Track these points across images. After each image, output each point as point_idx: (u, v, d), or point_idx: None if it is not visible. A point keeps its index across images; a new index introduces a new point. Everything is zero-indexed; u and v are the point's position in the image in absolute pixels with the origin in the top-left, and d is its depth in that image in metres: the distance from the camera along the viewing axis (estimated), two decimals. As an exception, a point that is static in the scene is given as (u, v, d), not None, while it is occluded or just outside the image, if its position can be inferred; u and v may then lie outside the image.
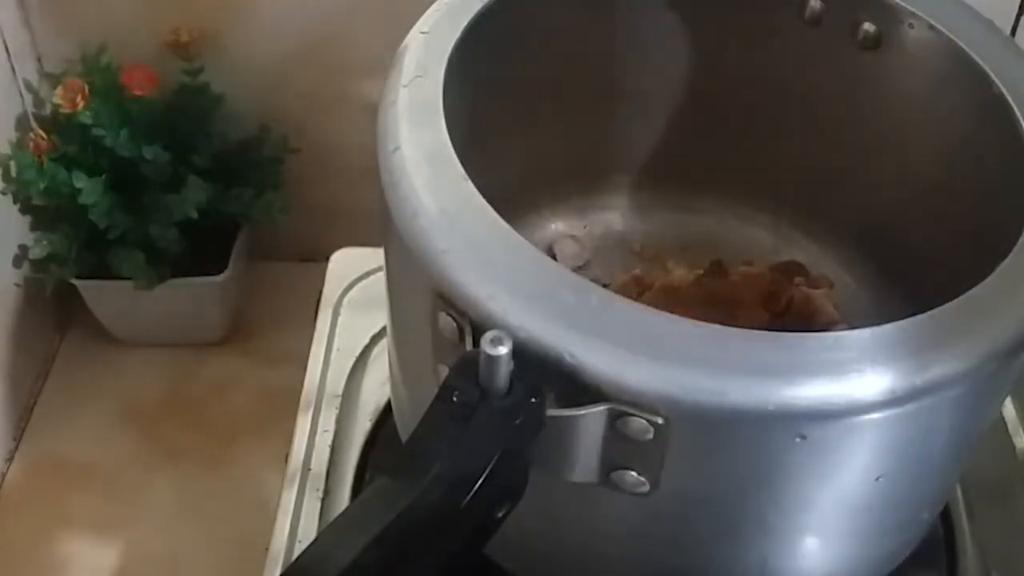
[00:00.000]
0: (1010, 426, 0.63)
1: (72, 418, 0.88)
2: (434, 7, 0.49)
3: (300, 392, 0.65)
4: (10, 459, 0.85)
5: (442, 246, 0.39)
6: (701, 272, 0.60)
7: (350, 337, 0.68)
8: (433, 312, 0.39)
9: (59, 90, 0.81)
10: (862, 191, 0.58)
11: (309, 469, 0.61)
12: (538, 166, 0.60)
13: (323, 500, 0.60)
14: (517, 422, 0.36)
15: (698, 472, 0.39)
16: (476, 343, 0.37)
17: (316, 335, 0.68)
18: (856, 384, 0.36)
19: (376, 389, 0.65)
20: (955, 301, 0.39)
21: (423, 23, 0.49)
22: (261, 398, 0.89)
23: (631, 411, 0.36)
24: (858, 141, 0.57)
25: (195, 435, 0.86)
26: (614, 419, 0.36)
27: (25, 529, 0.80)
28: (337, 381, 0.65)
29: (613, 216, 0.65)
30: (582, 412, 0.36)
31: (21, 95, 0.85)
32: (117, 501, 0.82)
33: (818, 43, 0.54)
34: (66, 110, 0.81)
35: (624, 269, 0.63)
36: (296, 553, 0.57)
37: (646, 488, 0.38)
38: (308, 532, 0.58)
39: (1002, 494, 0.61)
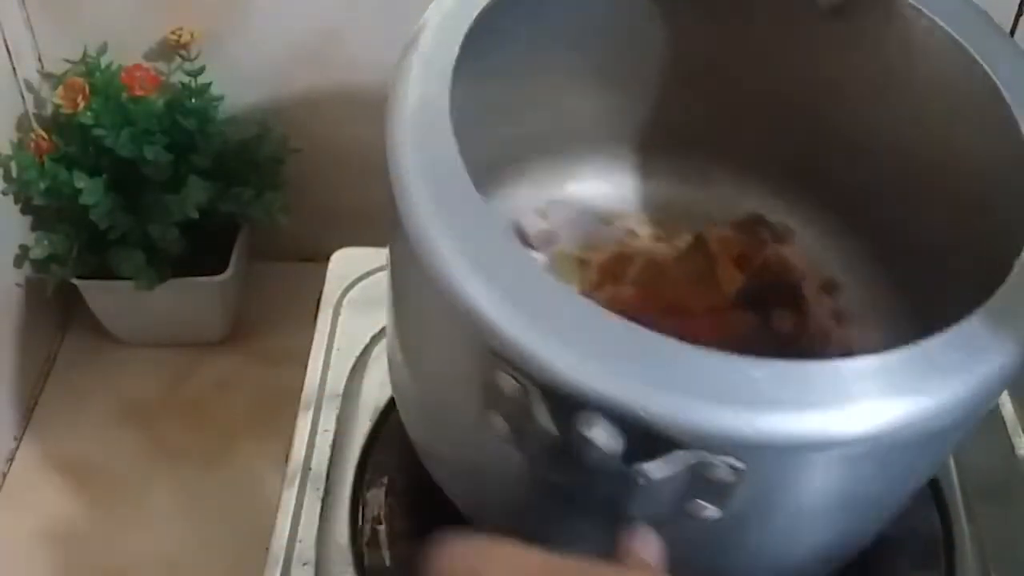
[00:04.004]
0: (1010, 426, 0.63)
1: (73, 418, 0.88)
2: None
3: (300, 392, 0.65)
4: (11, 459, 0.85)
5: (495, 304, 0.38)
6: (681, 244, 0.61)
7: (350, 337, 0.68)
8: (486, 368, 0.39)
9: (60, 90, 0.81)
10: (846, 161, 0.58)
11: (309, 469, 0.61)
12: (500, 140, 0.59)
13: (323, 499, 0.60)
14: (615, 488, 0.36)
15: (765, 498, 0.40)
16: (546, 405, 0.37)
17: (316, 335, 0.68)
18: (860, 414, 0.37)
19: (376, 389, 0.65)
20: (956, 328, 0.39)
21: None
22: (261, 398, 0.89)
23: (715, 460, 0.36)
24: (844, 109, 0.57)
25: (195, 435, 0.86)
26: (697, 466, 0.37)
27: (26, 528, 0.80)
28: (337, 381, 0.66)
29: (576, 186, 0.64)
30: (668, 466, 0.36)
31: (22, 95, 0.85)
32: (117, 501, 0.82)
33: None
34: (67, 110, 0.81)
35: (594, 237, 0.63)
36: (296, 553, 0.57)
37: (717, 515, 0.39)
38: (308, 532, 0.58)
39: (1002, 494, 0.61)
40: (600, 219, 0.63)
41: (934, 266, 0.54)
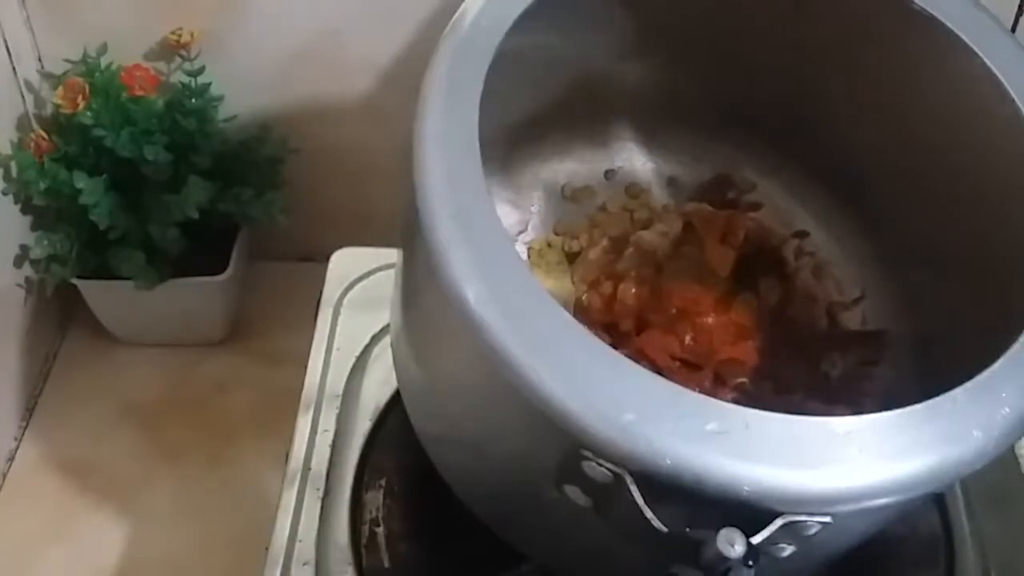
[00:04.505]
0: (1010, 426, 0.63)
1: (73, 418, 0.88)
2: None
3: (300, 392, 0.65)
4: (11, 458, 0.85)
5: (577, 401, 0.38)
6: (669, 231, 0.61)
7: (350, 337, 0.68)
8: (569, 456, 0.39)
9: (60, 90, 0.81)
10: (811, 115, 0.59)
11: (309, 468, 0.61)
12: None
13: (323, 499, 0.60)
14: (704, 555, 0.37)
15: (835, 533, 0.41)
16: (649, 495, 0.37)
17: (316, 335, 0.68)
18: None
19: (376, 389, 0.65)
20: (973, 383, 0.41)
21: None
22: (261, 398, 0.89)
23: (806, 519, 0.38)
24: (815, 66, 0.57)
25: (195, 434, 0.86)
26: (789, 526, 0.38)
27: (26, 528, 0.80)
28: (337, 381, 0.66)
29: (540, 167, 0.63)
30: (766, 535, 0.37)
31: (22, 95, 0.85)
32: (117, 500, 0.82)
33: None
34: (67, 110, 0.81)
35: (566, 221, 0.62)
36: (296, 553, 0.57)
37: (791, 551, 0.40)
38: (308, 531, 0.58)
39: (1002, 495, 0.61)
40: (567, 198, 0.63)
41: (894, 203, 0.56)
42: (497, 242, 0.40)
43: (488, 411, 0.45)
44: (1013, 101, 0.48)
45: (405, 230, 0.45)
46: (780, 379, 0.57)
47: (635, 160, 0.64)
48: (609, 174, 0.63)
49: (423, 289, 0.46)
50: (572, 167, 0.63)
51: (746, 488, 0.37)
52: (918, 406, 0.39)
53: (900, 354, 0.57)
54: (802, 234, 0.62)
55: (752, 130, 0.61)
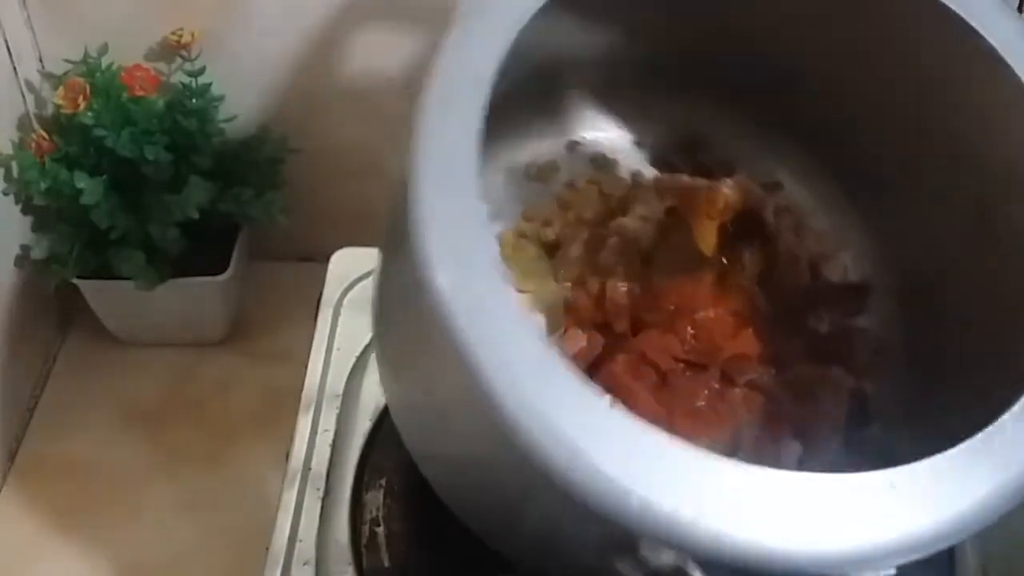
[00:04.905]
0: (1010, 426, 0.63)
1: (73, 418, 0.88)
2: None
3: (300, 392, 0.65)
4: (11, 459, 0.85)
5: (626, 487, 0.36)
6: (649, 215, 0.60)
7: (350, 337, 0.68)
8: (622, 542, 0.39)
9: (61, 90, 0.81)
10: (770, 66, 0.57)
11: (309, 468, 0.61)
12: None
13: (323, 499, 0.60)
14: None
15: None
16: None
17: (316, 335, 0.68)
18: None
19: (376, 389, 0.65)
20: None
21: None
22: (261, 398, 0.89)
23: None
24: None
25: (195, 435, 0.87)
26: None
27: (26, 528, 0.81)
28: (337, 381, 0.66)
29: (500, 145, 0.60)
30: None
31: (23, 95, 0.85)
32: (117, 501, 0.82)
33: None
34: (68, 110, 0.81)
35: (534, 204, 0.60)
36: (296, 553, 0.57)
37: None
38: (308, 531, 0.58)
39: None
40: (532, 178, 0.60)
41: (865, 142, 0.55)
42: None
43: (522, 499, 0.44)
44: (973, 31, 0.47)
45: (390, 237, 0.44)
46: (778, 358, 0.56)
47: (598, 129, 0.61)
48: (572, 146, 0.61)
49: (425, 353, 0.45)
50: (533, 144, 0.60)
51: (815, 560, 0.37)
52: (969, 443, 0.39)
53: (886, 305, 0.56)
54: (776, 186, 0.60)
55: (715, 85, 0.58)
